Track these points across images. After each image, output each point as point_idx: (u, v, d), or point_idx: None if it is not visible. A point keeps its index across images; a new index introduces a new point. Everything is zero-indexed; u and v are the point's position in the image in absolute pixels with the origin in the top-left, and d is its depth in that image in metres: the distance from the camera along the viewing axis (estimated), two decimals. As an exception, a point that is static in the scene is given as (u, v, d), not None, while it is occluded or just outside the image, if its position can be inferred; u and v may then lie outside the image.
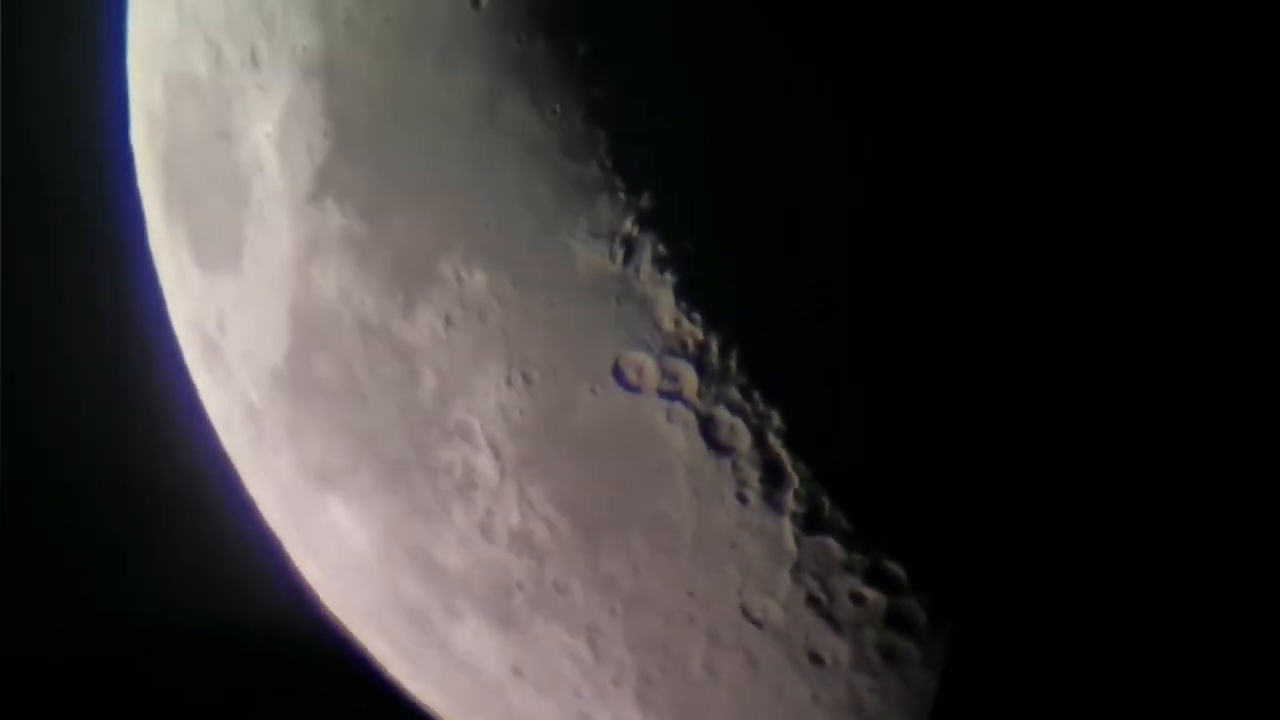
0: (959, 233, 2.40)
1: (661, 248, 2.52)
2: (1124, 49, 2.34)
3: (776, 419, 2.51)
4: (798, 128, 2.45)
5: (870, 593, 2.55)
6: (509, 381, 2.68)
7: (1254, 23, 2.32)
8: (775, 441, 2.53)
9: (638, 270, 2.53)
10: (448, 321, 2.71)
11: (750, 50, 2.45)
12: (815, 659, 2.63)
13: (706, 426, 2.56)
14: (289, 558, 3.47)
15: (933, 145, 2.38)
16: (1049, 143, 2.37)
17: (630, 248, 2.53)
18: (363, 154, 2.73)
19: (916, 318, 2.44)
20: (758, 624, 2.63)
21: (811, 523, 2.55)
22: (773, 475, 2.54)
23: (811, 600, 2.59)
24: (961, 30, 2.35)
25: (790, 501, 2.55)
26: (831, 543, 2.55)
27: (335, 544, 3.19)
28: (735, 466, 2.56)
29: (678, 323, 2.53)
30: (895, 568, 2.53)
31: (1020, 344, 2.42)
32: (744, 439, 2.54)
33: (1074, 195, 2.37)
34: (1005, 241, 2.39)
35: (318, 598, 3.46)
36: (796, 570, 2.58)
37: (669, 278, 2.52)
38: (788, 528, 2.56)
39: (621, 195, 2.52)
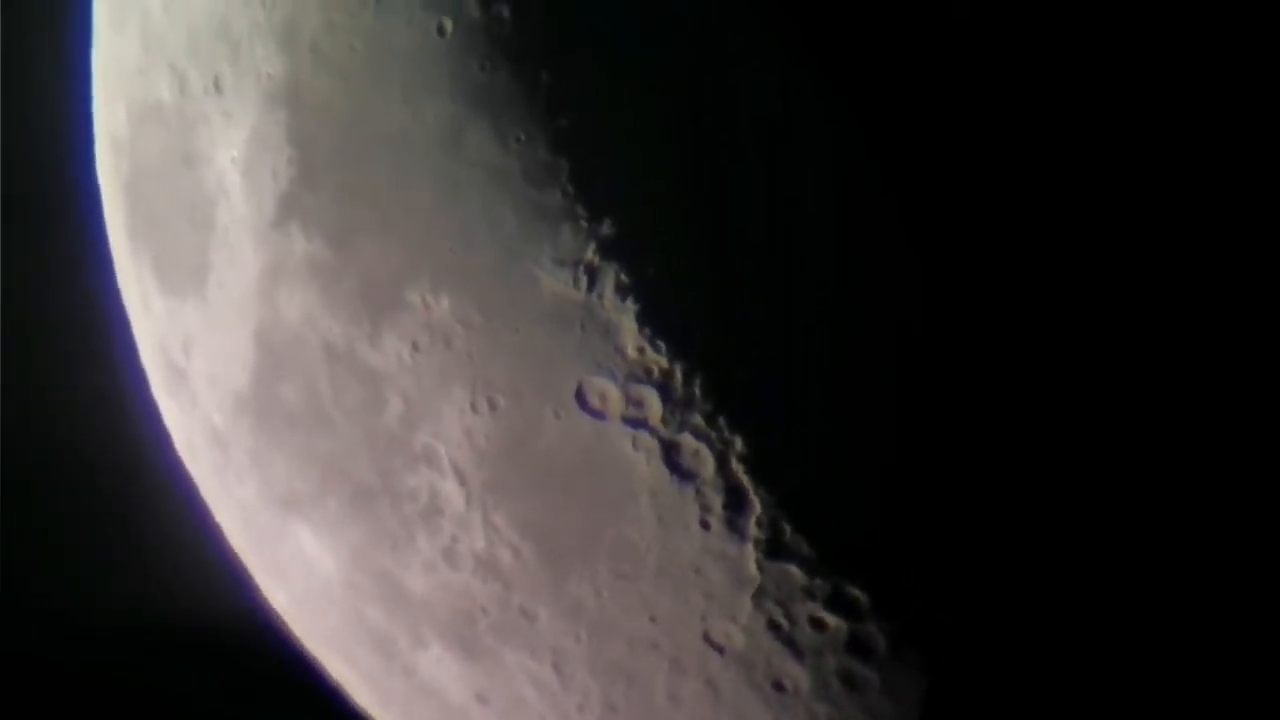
0: (936, 256, 2.40)
1: (624, 276, 2.53)
2: (1122, 52, 2.34)
3: (740, 445, 2.53)
4: (759, 158, 2.46)
5: (831, 619, 2.56)
6: (474, 407, 2.68)
7: (1254, 23, 2.33)
8: (738, 467, 2.54)
9: (601, 297, 2.55)
10: (413, 347, 2.71)
11: (718, 77, 2.46)
12: (777, 686, 2.64)
13: (670, 452, 2.56)
14: (254, 584, 3.46)
15: (924, 161, 2.39)
16: (1047, 157, 2.37)
17: (593, 275, 2.54)
18: (328, 180, 2.74)
19: (883, 344, 2.45)
20: (720, 650, 2.64)
21: (773, 548, 2.56)
22: (735, 501, 2.55)
23: (773, 626, 2.59)
24: (959, 35, 2.35)
25: (753, 527, 2.56)
26: (793, 569, 2.56)
27: (301, 570, 3.18)
28: (699, 492, 2.57)
29: (641, 350, 2.54)
30: (856, 593, 2.54)
31: (987, 373, 2.43)
32: (707, 465, 2.55)
33: (1072, 217, 2.37)
34: (982, 267, 2.40)
35: (283, 624, 3.45)
36: (758, 596, 2.59)
37: (632, 305, 2.53)
38: (750, 553, 2.57)
39: (584, 223, 2.54)
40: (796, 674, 2.61)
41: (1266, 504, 2.42)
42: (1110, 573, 2.47)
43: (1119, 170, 2.37)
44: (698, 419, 2.54)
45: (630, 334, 2.54)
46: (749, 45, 2.44)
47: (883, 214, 2.41)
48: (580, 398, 2.60)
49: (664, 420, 2.55)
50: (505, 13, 2.55)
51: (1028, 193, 2.38)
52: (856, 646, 2.57)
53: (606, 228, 2.52)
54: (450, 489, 2.77)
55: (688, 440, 2.55)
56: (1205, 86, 2.34)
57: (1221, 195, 2.36)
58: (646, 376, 2.55)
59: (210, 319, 3.04)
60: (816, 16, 2.40)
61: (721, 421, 2.53)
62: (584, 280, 2.55)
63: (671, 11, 2.47)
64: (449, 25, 2.58)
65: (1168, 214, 2.37)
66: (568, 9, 2.52)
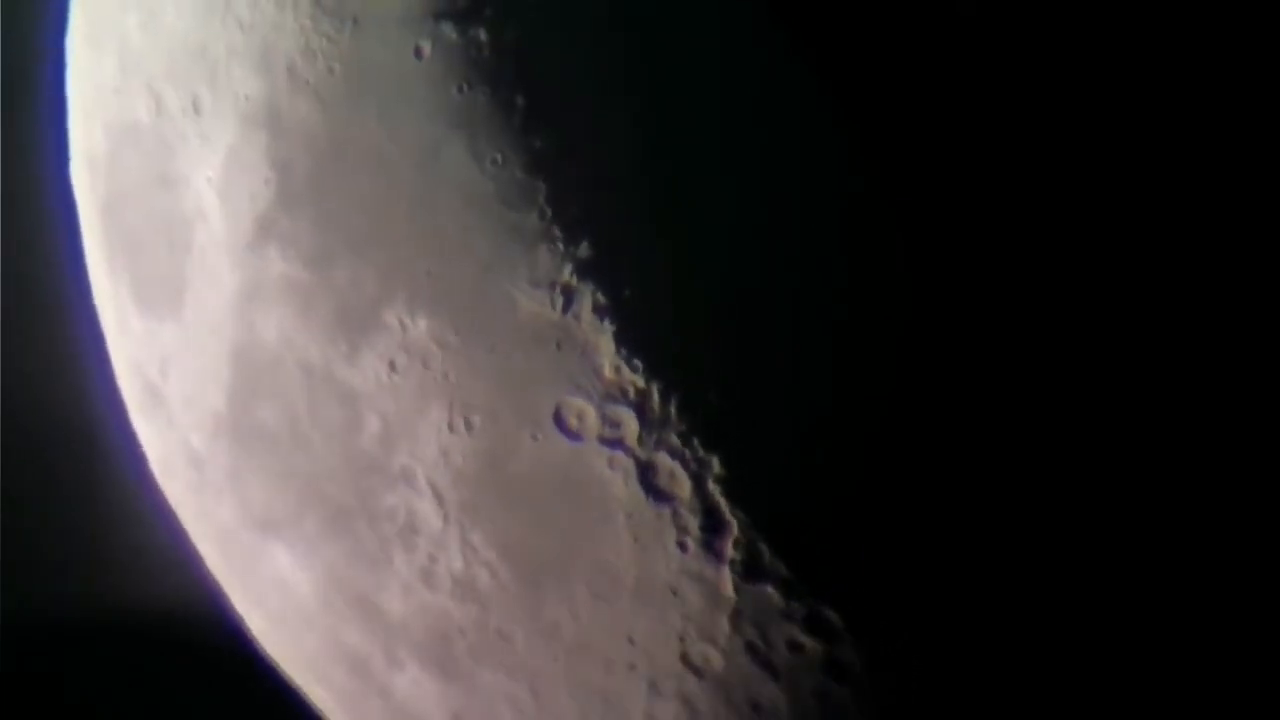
0: (923, 279, 2.40)
1: (601, 296, 2.53)
2: (1127, 50, 2.34)
3: (716, 466, 2.53)
4: (739, 181, 2.47)
5: (808, 641, 2.56)
6: (451, 427, 2.68)
7: (1255, 23, 2.33)
8: (715, 489, 2.54)
9: (578, 318, 2.55)
10: (391, 368, 2.71)
11: (698, 100, 2.47)
12: (755, 708, 2.64)
13: (646, 473, 2.57)
14: (231, 606, 3.44)
15: (921, 191, 2.38)
16: (1050, 169, 2.35)
17: (570, 296, 2.55)
18: (305, 202, 2.74)
19: (861, 366, 2.46)
20: (698, 672, 2.64)
21: (751, 570, 2.56)
22: (712, 523, 2.55)
23: (751, 648, 2.59)
24: (964, 32, 2.34)
25: (730, 549, 2.56)
26: (770, 590, 2.56)
27: (278, 592, 3.17)
28: (675, 514, 2.57)
29: (618, 370, 2.55)
30: (833, 616, 2.54)
31: (966, 396, 2.44)
32: (684, 486, 2.55)
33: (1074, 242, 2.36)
34: (968, 290, 2.39)
35: (260, 646, 3.44)
36: (736, 618, 2.59)
37: (609, 325, 2.54)
38: (727, 575, 2.57)
39: (561, 244, 2.54)
40: (774, 695, 2.61)
41: (1249, 522, 2.43)
42: (1088, 597, 2.48)
43: (1119, 172, 2.36)
44: (674, 439, 2.54)
45: (607, 354, 2.55)
46: (731, 66, 2.45)
47: (867, 234, 2.42)
48: (557, 418, 2.60)
49: (640, 441, 2.55)
50: (481, 35, 2.56)
51: (1028, 227, 2.37)
52: (833, 668, 2.57)
53: (583, 249, 2.53)
54: (427, 509, 2.76)
55: (664, 460, 2.55)
56: (1211, 85, 2.33)
57: (1223, 198, 2.36)
58: (623, 397, 2.55)
59: (187, 340, 3.04)
60: (807, 33, 2.41)
61: (697, 442, 2.53)
62: (560, 301, 2.55)
63: (650, 34, 2.48)
64: (426, 47, 2.58)
65: (1167, 215, 2.36)
66: (543, 32, 2.53)
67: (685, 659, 2.64)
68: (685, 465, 2.54)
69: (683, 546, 2.57)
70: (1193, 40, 2.34)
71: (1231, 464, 2.41)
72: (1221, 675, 2.50)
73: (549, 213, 2.54)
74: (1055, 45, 2.35)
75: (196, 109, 2.86)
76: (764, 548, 2.53)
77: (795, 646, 2.57)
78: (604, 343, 2.54)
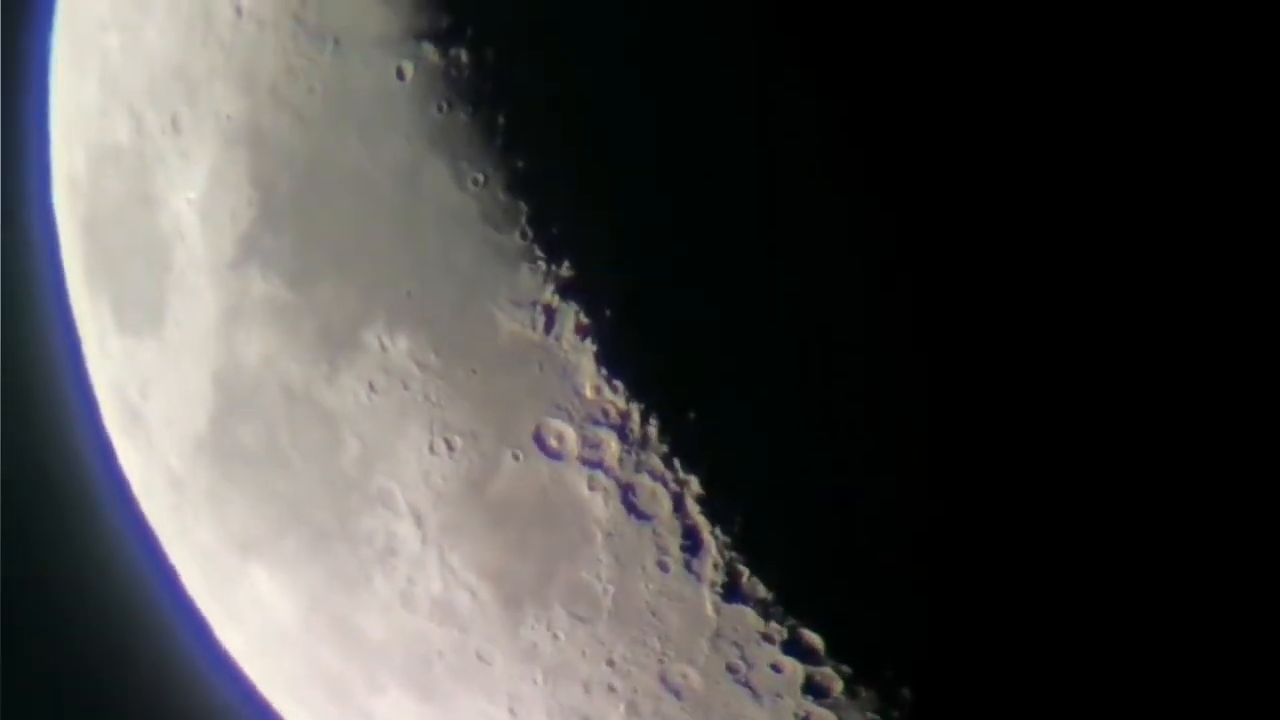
0: (898, 302, 2.40)
1: (583, 316, 2.53)
2: (1126, 49, 2.34)
3: (696, 486, 2.53)
4: (719, 201, 2.47)
5: (788, 661, 2.56)
6: (431, 448, 2.67)
7: (1254, 23, 2.34)
8: (694, 509, 2.54)
9: (559, 338, 2.55)
10: (371, 388, 2.71)
11: (676, 119, 2.48)
12: None
13: (627, 493, 2.56)
14: (210, 627, 3.43)
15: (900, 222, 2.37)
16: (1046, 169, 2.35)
17: (551, 316, 2.55)
18: (287, 221, 2.74)
19: (837, 386, 2.46)
20: (677, 693, 2.63)
21: (730, 591, 2.56)
22: (692, 543, 2.55)
23: (731, 669, 2.59)
24: (960, 31, 2.34)
25: (709, 570, 2.56)
26: (749, 611, 2.55)
27: (257, 614, 3.15)
28: (655, 534, 2.56)
29: (599, 391, 2.54)
30: (813, 637, 2.54)
31: (943, 417, 2.44)
32: (664, 506, 2.55)
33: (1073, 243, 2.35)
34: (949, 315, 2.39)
35: (239, 668, 3.42)
36: (716, 639, 2.58)
37: (590, 346, 2.54)
38: (707, 596, 2.57)
39: (542, 264, 2.54)
40: (755, 716, 2.61)
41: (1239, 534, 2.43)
42: (1064, 617, 2.48)
43: (1117, 171, 2.36)
44: (654, 460, 2.54)
45: (588, 375, 2.54)
46: (713, 84, 2.46)
47: (843, 261, 2.42)
48: (538, 439, 2.59)
49: (620, 461, 2.55)
50: (462, 56, 2.56)
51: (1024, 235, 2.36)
52: (814, 689, 2.57)
53: (565, 269, 2.53)
54: (407, 530, 2.75)
55: (644, 481, 2.55)
56: (1209, 85, 2.33)
57: (1222, 195, 2.35)
58: (604, 418, 2.55)
59: (168, 360, 3.03)
60: (794, 48, 2.41)
61: (677, 463, 2.53)
62: (542, 321, 2.55)
63: (630, 55, 2.49)
64: (407, 68, 2.59)
65: (1165, 214, 2.36)
66: (524, 52, 2.53)
67: (664, 680, 2.64)
68: (665, 485, 2.54)
69: (663, 567, 2.57)
70: (1190, 40, 2.34)
71: (1227, 462, 2.41)
72: (1220, 677, 2.50)
73: (530, 232, 2.54)
74: (1056, 44, 2.34)
75: (176, 127, 2.86)
76: (743, 568, 2.53)
77: (776, 667, 2.56)
78: (585, 363, 2.54)
